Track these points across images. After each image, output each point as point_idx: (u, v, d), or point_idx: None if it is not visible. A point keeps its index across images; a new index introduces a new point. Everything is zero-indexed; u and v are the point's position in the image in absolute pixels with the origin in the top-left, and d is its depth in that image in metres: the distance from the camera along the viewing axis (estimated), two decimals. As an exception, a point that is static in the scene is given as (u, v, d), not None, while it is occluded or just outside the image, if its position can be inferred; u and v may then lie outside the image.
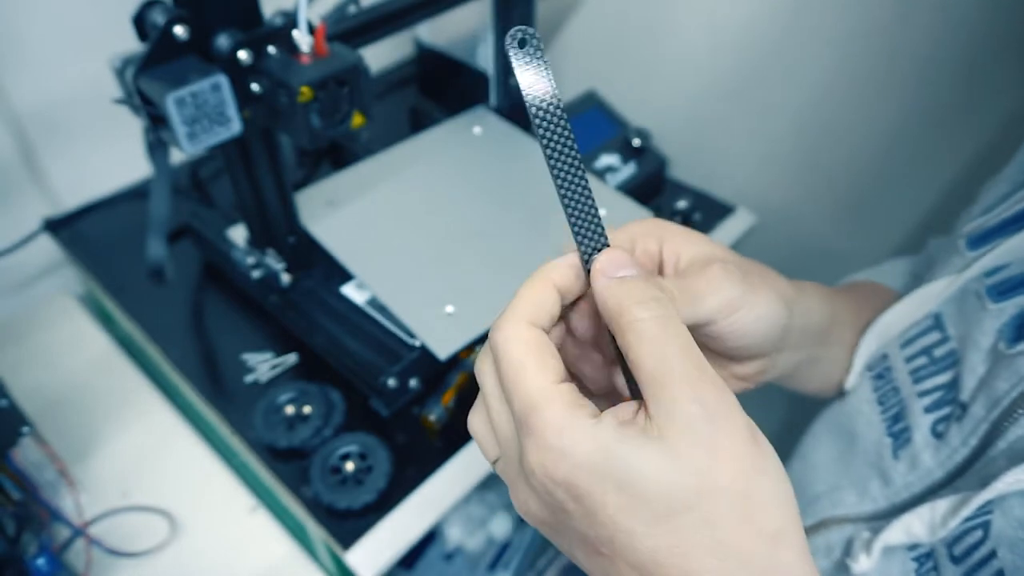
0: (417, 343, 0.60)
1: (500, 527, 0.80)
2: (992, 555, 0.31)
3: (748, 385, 0.38)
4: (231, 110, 0.50)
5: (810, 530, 0.45)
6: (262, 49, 0.50)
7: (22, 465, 0.55)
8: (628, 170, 0.80)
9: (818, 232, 0.81)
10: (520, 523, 0.84)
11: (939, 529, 0.34)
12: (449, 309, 0.61)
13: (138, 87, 0.48)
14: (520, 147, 0.79)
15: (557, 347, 0.28)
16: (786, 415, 0.96)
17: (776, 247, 0.85)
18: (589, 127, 0.81)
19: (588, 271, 0.28)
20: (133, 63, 0.47)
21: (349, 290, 0.66)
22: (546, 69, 0.26)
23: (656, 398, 0.24)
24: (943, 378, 0.40)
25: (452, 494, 0.57)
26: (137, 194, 0.82)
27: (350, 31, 0.58)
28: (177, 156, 0.62)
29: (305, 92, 0.49)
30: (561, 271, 0.28)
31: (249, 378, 0.63)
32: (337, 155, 0.85)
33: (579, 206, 0.27)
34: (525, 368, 0.25)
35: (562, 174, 0.27)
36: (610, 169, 0.79)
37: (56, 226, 0.77)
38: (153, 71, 0.47)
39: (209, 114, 0.49)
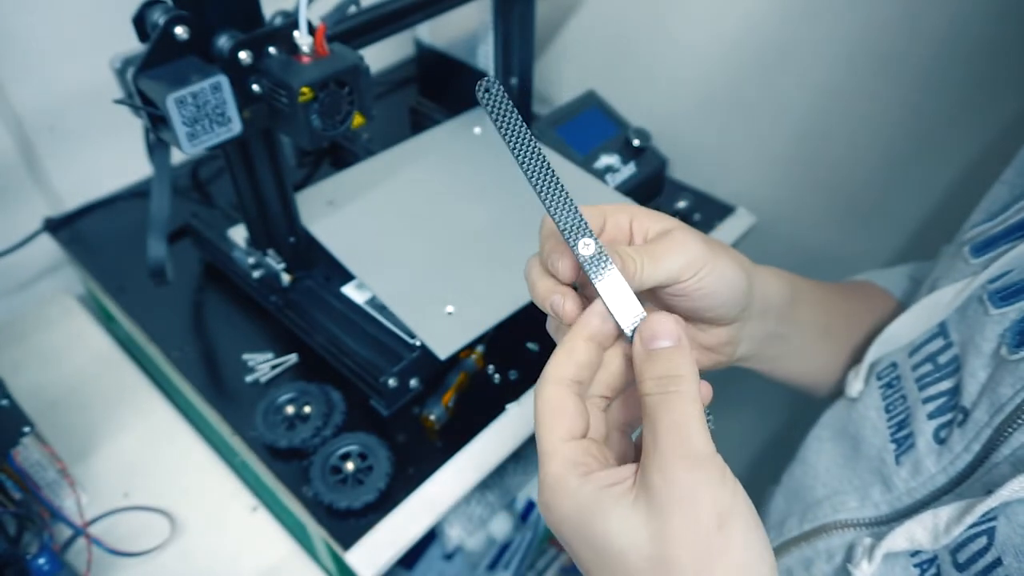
0: (417, 343, 0.60)
1: (500, 527, 0.80)
2: (997, 562, 0.31)
3: (720, 358, 0.39)
4: (231, 110, 0.50)
5: (811, 535, 0.45)
6: (262, 49, 0.50)
7: (23, 465, 0.55)
8: (628, 170, 0.79)
9: (818, 232, 0.81)
10: (520, 523, 0.84)
11: (942, 536, 0.34)
12: (449, 309, 0.61)
13: (138, 87, 0.48)
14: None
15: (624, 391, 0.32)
16: (786, 416, 0.96)
17: (776, 247, 0.85)
18: (589, 127, 0.81)
19: (576, 255, 0.30)
20: (133, 63, 0.47)
21: (349, 290, 0.66)
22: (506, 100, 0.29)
23: (643, 465, 0.27)
24: (946, 384, 0.39)
25: (452, 494, 0.57)
26: (137, 194, 0.82)
27: (350, 31, 0.58)
28: (177, 156, 0.62)
29: (305, 92, 0.49)
30: (591, 326, 0.30)
31: (249, 378, 0.63)
32: (337, 155, 0.85)
33: (552, 194, 0.30)
34: (540, 424, 0.29)
35: (526, 163, 0.30)
36: (610, 169, 0.79)
37: (56, 226, 0.77)
38: (153, 71, 0.47)
39: (209, 114, 0.49)
